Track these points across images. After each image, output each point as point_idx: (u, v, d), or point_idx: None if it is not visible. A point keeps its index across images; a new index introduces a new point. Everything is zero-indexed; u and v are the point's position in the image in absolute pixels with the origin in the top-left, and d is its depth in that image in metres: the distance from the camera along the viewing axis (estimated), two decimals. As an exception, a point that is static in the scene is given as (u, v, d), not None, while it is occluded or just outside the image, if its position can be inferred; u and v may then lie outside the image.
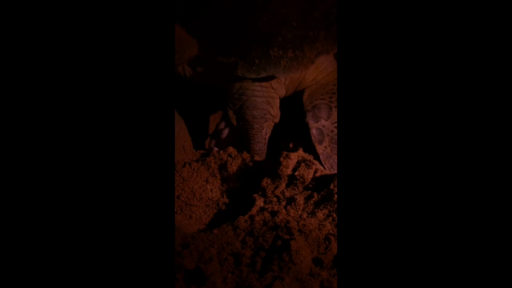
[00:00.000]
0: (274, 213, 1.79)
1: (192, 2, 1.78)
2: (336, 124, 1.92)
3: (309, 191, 1.89)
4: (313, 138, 1.92)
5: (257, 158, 2.02)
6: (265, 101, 1.91)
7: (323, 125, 1.92)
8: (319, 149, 1.90)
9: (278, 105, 1.97)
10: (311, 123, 1.93)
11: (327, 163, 1.94)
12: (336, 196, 1.80)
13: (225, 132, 2.13)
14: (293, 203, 1.85)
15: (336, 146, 1.91)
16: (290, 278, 1.47)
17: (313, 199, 1.86)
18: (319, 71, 2.01)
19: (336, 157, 1.91)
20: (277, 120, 2.01)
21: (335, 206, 1.77)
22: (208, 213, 2.01)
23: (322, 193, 1.87)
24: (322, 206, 1.81)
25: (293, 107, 2.07)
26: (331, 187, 1.87)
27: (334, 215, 1.75)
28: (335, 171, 1.94)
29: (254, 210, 1.86)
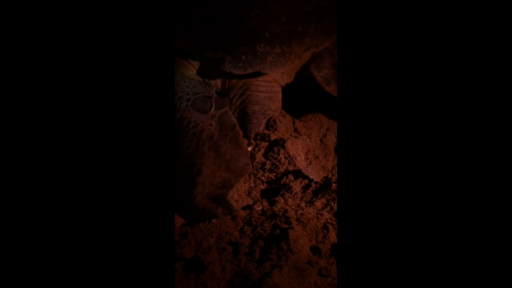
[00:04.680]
0: (272, 202, 1.80)
1: None
2: None
3: (306, 180, 1.89)
4: (320, 83, 1.96)
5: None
6: (268, 96, 1.94)
7: (326, 73, 1.96)
8: (327, 88, 1.96)
9: (280, 97, 1.99)
10: (315, 72, 1.96)
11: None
12: (334, 185, 1.81)
13: None
14: (289, 193, 1.85)
15: None
16: (288, 266, 1.47)
17: (311, 188, 1.86)
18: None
19: None
20: (276, 114, 2.04)
21: (333, 195, 1.78)
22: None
23: (319, 182, 1.87)
24: (320, 195, 1.81)
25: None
26: (329, 176, 1.88)
27: (332, 204, 1.76)
28: None
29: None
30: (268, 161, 1.97)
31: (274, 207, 1.75)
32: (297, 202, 1.82)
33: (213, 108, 1.83)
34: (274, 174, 1.95)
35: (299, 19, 1.81)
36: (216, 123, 1.82)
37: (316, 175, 1.94)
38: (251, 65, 1.79)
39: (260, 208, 1.77)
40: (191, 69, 1.94)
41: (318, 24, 1.83)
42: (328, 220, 1.67)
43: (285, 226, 1.61)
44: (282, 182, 1.90)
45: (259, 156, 1.99)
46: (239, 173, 1.81)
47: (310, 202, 1.80)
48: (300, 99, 2.16)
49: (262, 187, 1.93)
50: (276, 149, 1.98)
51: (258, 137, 2.04)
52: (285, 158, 1.96)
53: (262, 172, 1.97)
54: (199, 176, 1.73)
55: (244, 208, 1.80)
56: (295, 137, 2.04)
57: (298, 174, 1.92)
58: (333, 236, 1.60)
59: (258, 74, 1.85)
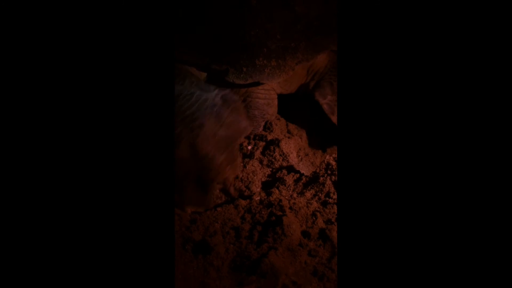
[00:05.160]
0: (269, 193, 1.85)
1: (189, 17, 1.89)
2: None
3: (298, 174, 1.95)
4: (326, 111, 2.04)
5: None
6: (266, 102, 2.00)
7: (330, 99, 2.05)
8: (333, 119, 2.04)
9: (276, 103, 2.05)
10: (320, 100, 2.06)
11: None
12: (321, 178, 1.87)
13: None
14: (283, 185, 1.90)
15: None
16: (282, 248, 1.56)
17: (302, 181, 1.92)
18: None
19: None
20: (273, 117, 2.12)
21: (321, 187, 1.84)
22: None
23: (309, 176, 1.93)
24: (309, 187, 1.87)
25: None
26: (317, 170, 1.94)
27: (320, 194, 1.82)
28: None
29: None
30: (265, 158, 2.02)
31: (270, 197, 1.81)
32: (290, 193, 1.88)
33: (217, 89, 1.90)
34: (270, 169, 2.00)
35: (292, 37, 1.88)
36: (220, 99, 1.88)
37: (306, 170, 1.99)
38: (251, 76, 1.86)
39: (258, 198, 1.82)
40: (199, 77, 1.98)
41: (308, 41, 1.89)
42: (317, 209, 1.73)
43: (280, 213, 1.68)
44: (277, 176, 1.96)
45: (257, 154, 2.03)
46: (240, 132, 1.87)
47: (301, 193, 1.86)
48: (292, 105, 2.20)
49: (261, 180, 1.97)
50: (272, 147, 2.04)
51: (257, 138, 2.09)
52: (280, 155, 2.02)
53: (260, 167, 2.01)
54: (202, 129, 1.78)
55: (244, 198, 1.85)
56: (288, 138, 2.09)
57: (290, 169, 1.98)
58: (320, 222, 1.67)
59: (257, 83, 1.92)
